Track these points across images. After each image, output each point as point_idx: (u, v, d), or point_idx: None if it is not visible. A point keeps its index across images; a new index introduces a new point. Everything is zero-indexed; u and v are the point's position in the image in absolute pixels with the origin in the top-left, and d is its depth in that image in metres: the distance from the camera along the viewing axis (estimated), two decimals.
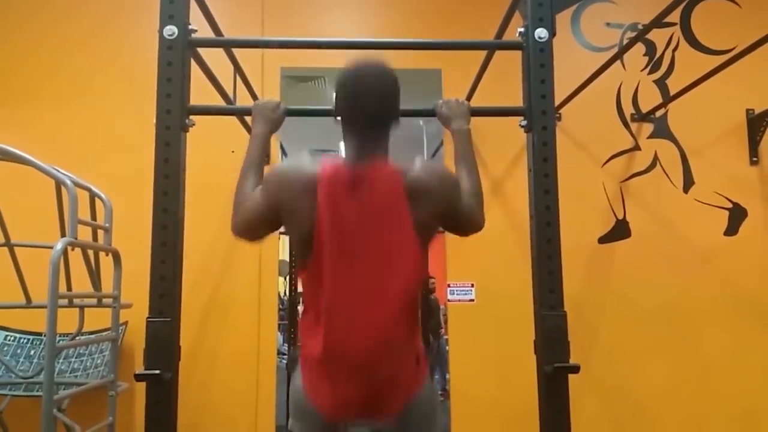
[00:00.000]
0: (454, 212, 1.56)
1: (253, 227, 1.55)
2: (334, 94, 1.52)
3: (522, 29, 1.77)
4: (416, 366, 1.48)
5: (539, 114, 1.72)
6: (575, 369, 1.59)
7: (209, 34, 2.23)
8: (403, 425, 1.47)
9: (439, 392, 6.65)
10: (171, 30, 1.68)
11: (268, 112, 1.70)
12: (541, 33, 1.72)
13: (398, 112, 1.54)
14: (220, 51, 2.48)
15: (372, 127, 1.49)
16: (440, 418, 1.58)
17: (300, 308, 1.66)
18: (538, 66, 1.73)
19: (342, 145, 1.53)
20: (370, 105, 1.48)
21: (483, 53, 2.61)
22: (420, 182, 1.45)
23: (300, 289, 1.60)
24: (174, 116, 1.67)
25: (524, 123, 1.77)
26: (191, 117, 1.75)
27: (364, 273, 1.42)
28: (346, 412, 1.45)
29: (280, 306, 6.15)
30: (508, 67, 2.11)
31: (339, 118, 1.53)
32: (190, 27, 1.73)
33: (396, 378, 1.45)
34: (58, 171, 2.31)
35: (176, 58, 1.69)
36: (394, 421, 1.46)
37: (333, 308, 1.41)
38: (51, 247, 2.16)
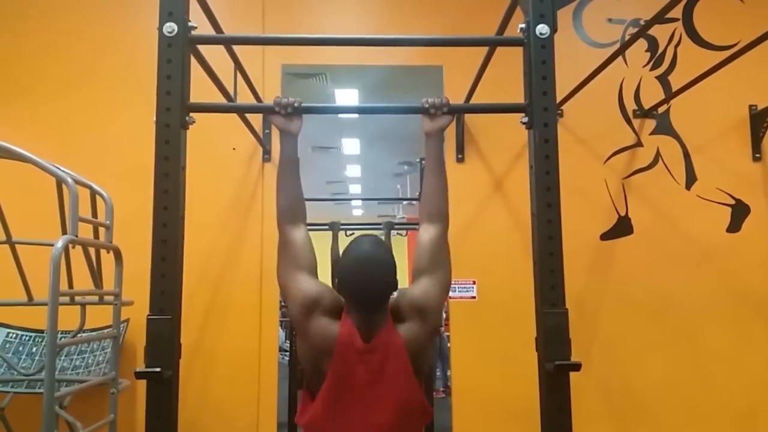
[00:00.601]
0: (433, 290, 1.68)
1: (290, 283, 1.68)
2: (337, 274, 1.66)
3: (523, 25, 1.76)
4: None
5: (540, 111, 1.71)
6: (577, 367, 1.58)
7: (209, 31, 2.22)
8: None
9: (441, 389, 6.66)
10: (171, 27, 1.67)
11: (283, 125, 1.77)
12: (542, 29, 1.71)
13: (396, 286, 1.66)
14: (221, 48, 2.47)
15: (375, 306, 1.62)
16: None
17: None
18: (540, 62, 1.71)
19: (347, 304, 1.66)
20: (372, 294, 1.61)
21: (484, 50, 2.60)
22: (414, 336, 1.62)
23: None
24: (174, 114, 1.66)
25: (525, 120, 1.76)
26: (191, 114, 1.74)
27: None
28: None
29: (282, 303, 6.15)
30: (509, 63, 2.10)
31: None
32: (190, 24, 1.72)
33: None
34: (59, 168, 2.30)
35: (176, 56, 1.68)
36: None
37: None
38: (52, 245, 2.16)
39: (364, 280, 1.61)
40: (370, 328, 1.61)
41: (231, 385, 3.08)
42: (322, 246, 4.17)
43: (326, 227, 4.39)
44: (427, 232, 1.73)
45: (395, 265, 1.68)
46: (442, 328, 6.76)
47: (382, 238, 4.21)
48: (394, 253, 1.75)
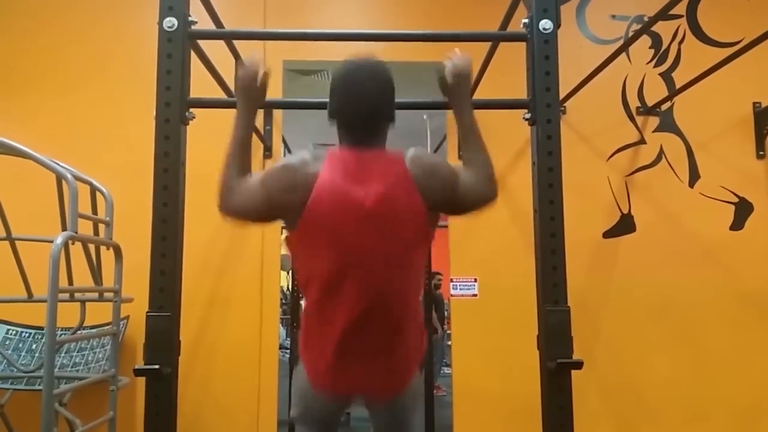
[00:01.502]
0: (454, 189, 1.54)
1: (245, 215, 1.58)
2: (329, 96, 1.53)
3: (526, 20, 1.75)
4: (418, 354, 1.59)
5: (543, 107, 1.70)
6: (578, 365, 1.58)
7: (210, 26, 2.21)
8: (395, 407, 1.59)
9: (436, 384, 6.63)
10: (171, 22, 1.67)
11: (250, 86, 1.60)
12: (545, 24, 1.70)
13: (394, 111, 1.55)
14: (221, 44, 2.46)
15: (368, 127, 1.50)
16: (421, 405, 1.75)
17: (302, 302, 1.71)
18: (543, 58, 1.71)
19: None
20: (364, 106, 1.49)
21: (486, 46, 2.59)
22: (420, 161, 1.49)
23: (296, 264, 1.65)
24: (174, 109, 1.66)
25: (528, 116, 1.75)
26: (191, 110, 1.73)
27: (374, 247, 1.44)
28: (349, 392, 1.56)
29: (283, 300, 6.15)
30: (512, 59, 2.09)
31: (334, 119, 1.55)
32: (190, 19, 1.71)
33: (404, 364, 1.56)
34: (59, 165, 2.30)
35: (176, 51, 1.67)
36: (388, 403, 1.58)
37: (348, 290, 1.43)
38: (52, 241, 2.15)
39: (356, 89, 1.49)
40: (364, 156, 1.48)
41: (231, 381, 3.08)
42: None
43: None
44: (468, 177, 1.57)
45: (393, 84, 1.54)
46: (442, 329, 6.75)
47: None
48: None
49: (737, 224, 3.30)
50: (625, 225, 3.29)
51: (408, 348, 1.56)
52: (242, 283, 3.14)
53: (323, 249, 1.47)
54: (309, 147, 1.61)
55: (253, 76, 1.59)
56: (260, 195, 1.50)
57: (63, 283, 2.28)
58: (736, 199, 3.31)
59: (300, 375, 1.60)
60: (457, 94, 1.66)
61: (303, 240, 1.50)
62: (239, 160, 1.57)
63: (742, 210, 3.30)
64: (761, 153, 3.33)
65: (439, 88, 1.69)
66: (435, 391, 4.66)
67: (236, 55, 2.57)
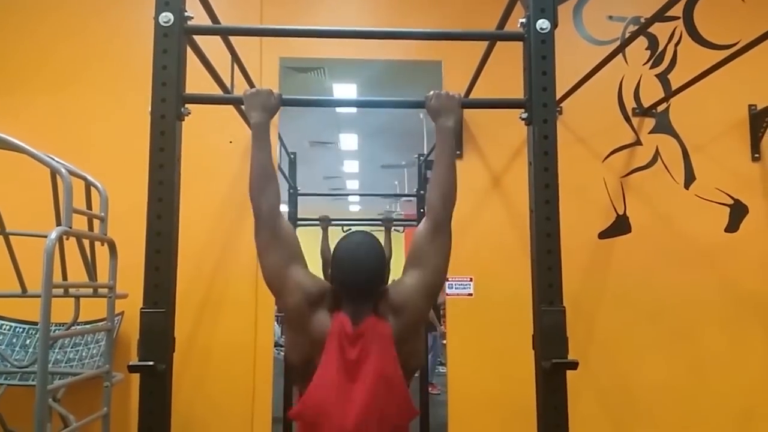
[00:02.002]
0: (428, 282, 1.68)
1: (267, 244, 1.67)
2: (332, 265, 1.69)
3: (523, 20, 1.74)
4: None
5: (540, 106, 1.70)
6: (573, 365, 1.58)
7: (206, 21, 2.20)
8: None
9: (432, 382, 6.63)
10: (167, 17, 1.66)
11: (264, 99, 1.71)
12: (542, 24, 1.70)
13: (386, 278, 1.70)
14: (218, 40, 2.45)
15: (364, 296, 1.63)
16: None
17: None
18: (540, 57, 1.70)
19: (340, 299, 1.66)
20: (362, 283, 1.63)
21: (484, 45, 2.59)
22: (397, 328, 1.62)
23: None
24: (169, 105, 1.65)
25: (525, 115, 1.75)
26: (187, 106, 1.72)
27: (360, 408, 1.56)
28: None
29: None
30: (509, 60, 2.09)
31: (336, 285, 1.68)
32: (186, 14, 1.70)
33: None
34: (53, 159, 2.28)
35: (172, 46, 1.66)
36: None
37: None
38: (46, 236, 2.14)
39: (355, 271, 1.63)
40: (359, 317, 1.62)
41: (226, 379, 3.07)
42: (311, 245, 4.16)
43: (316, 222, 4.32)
44: (422, 224, 1.72)
45: (384, 257, 1.70)
46: (441, 327, 6.76)
47: (383, 234, 4.16)
48: (392, 249, 1.77)
49: (732, 226, 3.31)
50: (620, 226, 3.30)
51: None
52: (237, 281, 3.13)
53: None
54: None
55: (264, 91, 1.73)
56: (296, 279, 1.65)
57: (57, 278, 2.27)
58: (731, 201, 3.32)
59: None
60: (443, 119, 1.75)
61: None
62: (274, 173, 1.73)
63: (737, 212, 3.31)
64: (756, 155, 3.34)
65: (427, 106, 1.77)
66: (430, 389, 4.66)
67: (232, 51, 2.57)
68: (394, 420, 1.60)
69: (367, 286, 1.64)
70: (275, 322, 3.54)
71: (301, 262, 1.69)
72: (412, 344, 1.65)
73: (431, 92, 1.77)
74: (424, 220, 1.73)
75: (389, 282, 1.77)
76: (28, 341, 2.88)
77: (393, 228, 4.40)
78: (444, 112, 1.73)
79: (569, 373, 1.59)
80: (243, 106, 1.74)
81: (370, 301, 1.64)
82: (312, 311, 1.62)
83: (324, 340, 1.59)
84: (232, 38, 2.54)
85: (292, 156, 4.49)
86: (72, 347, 2.89)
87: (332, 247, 1.80)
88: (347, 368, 1.58)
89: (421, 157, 4.65)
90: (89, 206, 2.57)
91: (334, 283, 1.66)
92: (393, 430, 1.60)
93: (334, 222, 4.39)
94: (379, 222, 4.40)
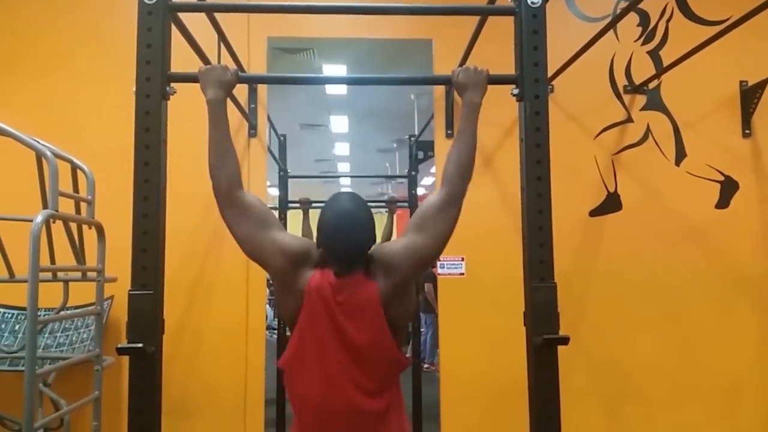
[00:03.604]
0: (420, 249, 1.66)
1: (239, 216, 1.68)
2: (317, 229, 1.69)
3: None
4: None
5: (532, 82, 1.69)
6: (565, 340, 1.58)
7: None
8: None
9: (433, 362, 6.66)
10: None
11: (218, 74, 1.69)
12: None
13: (373, 240, 1.69)
14: (204, 19, 2.41)
15: (351, 260, 1.64)
16: None
17: None
18: (531, 32, 1.69)
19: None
20: (349, 248, 1.64)
21: (474, 23, 2.56)
22: (384, 288, 1.63)
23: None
24: (154, 84, 1.62)
25: (516, 91, 1.73)
26: (172, 85, 1.70)
27: (340, 369, 1.60)
28: None
29: (270, 280, 6.11)
30: (500, 38, 2.06)
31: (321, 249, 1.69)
32: None
33: None
34: (39, 142, 2.25)
35: (156, 24, 1.64)
36: None
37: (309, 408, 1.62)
38: (32, 220, 2.11)
39: (342, 235, 1.64)
40: (344, 273, 1.64)
41: (218, 362, 3.07)
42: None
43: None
44: (435, 194, 1.71)
45: (373, 221, 1.70)
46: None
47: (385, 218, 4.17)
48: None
49: (723, 202, 3.32)
50: (611, 203, 3.30)
51: None
52: (228, 264, 3.11)
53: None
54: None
55: (219, 66, 1.71)
56: (281, 247, 1.65)
57: (45, 262, 2.24)
58: (721, 178, 3.32)
59: None
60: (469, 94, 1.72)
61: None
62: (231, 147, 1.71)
63: (728, 188, 3.32)
64: (747, 132, 3.34)
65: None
66: (431, 368, 4.63)
67: (219, 31, 2.52)
68: (382, 370, 1.63)
69: (354, 252, 1.65)
70: (267, 305, 3.53)
71: (276, 225, 1.70)
72: (399, 303, 1.65)
73: (458, 68, 1.75)
74: (438, 190, 1.71)
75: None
76: (17, 326, 2.86)
77: (386, 210, 4.38)
78: (472, 86, 1.71)
79: (560, 349, 1.60)
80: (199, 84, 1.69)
81: (358, 265, 1.65)
82: (297, 269, 1.64)
83: (308, 293, 1.62)
84: (219, 18, 2.50)
85: (282, 138, 4.45)
86: (62, 332, 2.87)
87: (313, 228, 1.82)
88: (331, 318, 1.60)
89: (412, 139, 4.62)
90: (76, 189, 2.54)
91: (320, 247, 1.68)
92: (382, 380, 1.63)
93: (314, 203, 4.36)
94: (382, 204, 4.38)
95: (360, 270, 1.64)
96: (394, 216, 4.34)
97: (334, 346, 1.60)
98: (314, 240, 1.71)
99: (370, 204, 1.77)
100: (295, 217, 4.50)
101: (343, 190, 1.82)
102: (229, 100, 2.79)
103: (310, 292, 1.61)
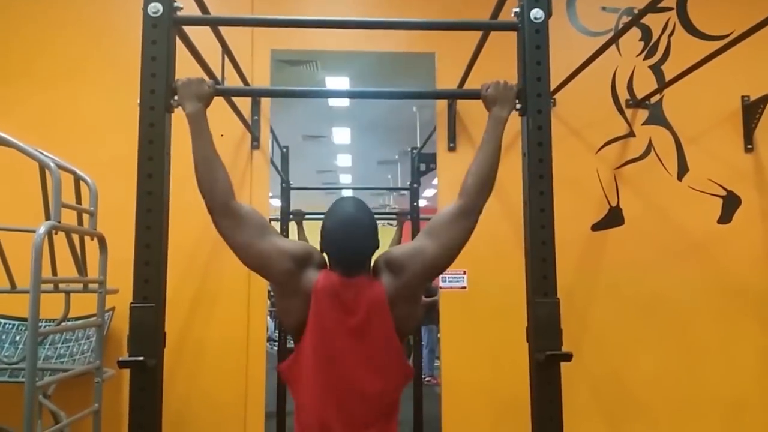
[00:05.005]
0: (430, 259, 1.68)
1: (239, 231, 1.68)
2: (320, 233, 1.72)
3: (517, 9, 1.73)
4: None
5: (534, 97, 1.68)
6: (567, 357, 1.57)
7: (196, 12, 2.17)
8: None
9: (433, 375, 6.64)
10: (155, 7, 1.63)
11: (196, 88, 1.66)
12: (536, 13, 1.68)
13: (377, 245, 1.71)
14: (209, 32, 2.42)
15: (356, 266, 1.67)
16: None
17: None
18: (534, 47, 1.69)
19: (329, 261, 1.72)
20: (353, 254, 1.67)
21: (477, 37, 2.57)
22: (391, 288, 1.64)
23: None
24: (158, 96, 1.62)
25: (519, 106, 1.74)
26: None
27: (347, 375, 1.61)
28: None
29: (270, 293, 6.11)
30: (502, 51, 2.07)
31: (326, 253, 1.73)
32: (175, 4, 1.67)
33: None
34: (42, 153, 2.25)
35: (161, 37, 1.64)
36: None
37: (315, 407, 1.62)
38: (34, 231, 2.11)
39: (346, 240, 1.66)
40: (350, 275, 1.66)
41: (219, 374, 3.05)
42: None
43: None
44: (452, 205, 1.72)
45: (376, 226, 1.73)
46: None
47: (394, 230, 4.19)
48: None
49: (725, 218, 3.31)
50: (613, 218, 3.30)
51: None
52: (230, 276, 3.11)
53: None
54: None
55: (196, 79, 1.68)
56: (283, 255, 1.65)
57: (46, 273, 2.24)
58: (724, 193, 3.32)
59: None
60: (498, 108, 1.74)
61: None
62: (219, 160, 1.68)
63: (730, 203, 3.32)
64: (749, 146, 3.34)
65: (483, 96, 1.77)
66: (432, 381, 4.62)
67: (223, 43, 2.54)
68: (392, 379, 1.65)
69: (359, 257, 1.67)
70: (268, 317, 3.52)
71: (273, 231, 1.73)
72: (406, 307, 1.67)
73: (488, 82, 1.75)
74: (455, 201, 1.72)
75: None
76: (17, 337, 2.85)
77: (387, 222, 4.40)
78: (501, 101, 1.72)
79: (563, 365, 1.58)
80: (176, 97, 1.67)
81: (363, 270, 1.67)
82: (302, 270, 1.65)
83: (315, 294, 1.62)
84: (223, 30, 2.51)
85: (284, 150, 4.46)
86: (62, 343, 2.86)
87: (309, 238, 1.84)
88: (339, 320, 1.61)
89: (414, 151, 4.63)
90: (78, 201, 2.54)
91: (324, 252, 1.70)
92: (389, 381, 1.64)
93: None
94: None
95: (365, 272, 1.66)
96: (403, 228, 4.35)
97: (345, 343, 1.61)
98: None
99: (374, 215, 1.78)
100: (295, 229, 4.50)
101: (345, 197, 1.85)
102: (232, 112, 2.82)
103: (317, 292, 1.62)
